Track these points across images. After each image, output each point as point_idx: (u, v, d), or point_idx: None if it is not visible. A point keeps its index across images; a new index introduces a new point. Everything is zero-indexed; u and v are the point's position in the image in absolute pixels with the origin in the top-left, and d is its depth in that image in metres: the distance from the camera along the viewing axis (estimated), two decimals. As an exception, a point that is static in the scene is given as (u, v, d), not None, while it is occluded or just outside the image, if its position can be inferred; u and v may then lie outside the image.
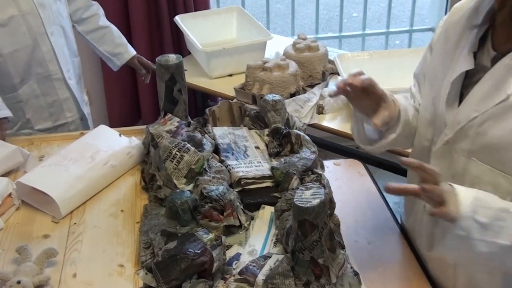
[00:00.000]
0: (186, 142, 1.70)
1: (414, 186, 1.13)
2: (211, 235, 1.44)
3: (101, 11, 2.48)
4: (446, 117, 1.29)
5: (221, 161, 1.76)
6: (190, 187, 1.65)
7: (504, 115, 1.17)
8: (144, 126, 1.94)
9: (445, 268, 1.41)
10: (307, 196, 1.31)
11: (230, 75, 2.70)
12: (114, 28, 2.51)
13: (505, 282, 1.29)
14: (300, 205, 1.28)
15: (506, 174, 1.18)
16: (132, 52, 2.54)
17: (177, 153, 1.66)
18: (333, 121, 2.31)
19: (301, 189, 1.34)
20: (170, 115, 1.85)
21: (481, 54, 1.25)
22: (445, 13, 2.90)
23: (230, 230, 1.56)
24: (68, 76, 2.28)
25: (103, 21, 2.47)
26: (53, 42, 2.18)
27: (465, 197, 1.12)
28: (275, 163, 1.73)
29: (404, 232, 1.65)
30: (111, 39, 2.48)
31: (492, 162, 1.20)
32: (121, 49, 2.51)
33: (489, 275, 1.31)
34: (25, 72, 2.16)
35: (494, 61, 1.21)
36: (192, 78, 2.67)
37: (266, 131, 1.89)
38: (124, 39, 2.53)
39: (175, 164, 1.66)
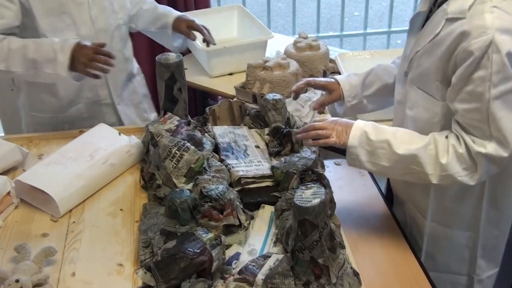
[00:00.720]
0: (186, 141, 1.69)
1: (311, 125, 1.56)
2: (210, 235, 1.43)
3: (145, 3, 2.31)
4: (406, 51, 1.56)
5: (221, 160, 1.76)
6: (190, 186, 1.64)
7: (432, 50, 1.43)
8: (143, 125, 1.94)
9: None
10: (307, 196, 1.30)
11: (231, 74, 2.69)
12: (152, 4, 2.31)
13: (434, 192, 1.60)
14: (300, 204, 1.27)
15: (433, 97, 1.45)
16: (174, 14, 2.29)
17: (176, 152, 1.66)
18: (334, 121, 2.30)
19: (301, 189, 1.33)
20: (170, 113, 1.85)
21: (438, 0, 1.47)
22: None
23: (229, 229, 1.55)
24: (118, 101, 2.22)
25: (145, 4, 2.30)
26: None
27: (356, 130, 1.49)
28: (275, 162, 1.73)
29: (404, 233, 1.65)
30: (152, 14, 2.28)
31: (424, 88, 1.47)
32: (163, 20, 2.28)
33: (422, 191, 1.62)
34: (75, 95, 2.12)
35: (440, 5, 1.44)
36: (192, 77, 2.66)
37: (267, 130, 1.88)
38: (163, 8, 2.32)
39: (174, 163, 1.65)
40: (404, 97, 1.56)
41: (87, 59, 1.86)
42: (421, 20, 1.52)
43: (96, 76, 1.90)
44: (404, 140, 1.45)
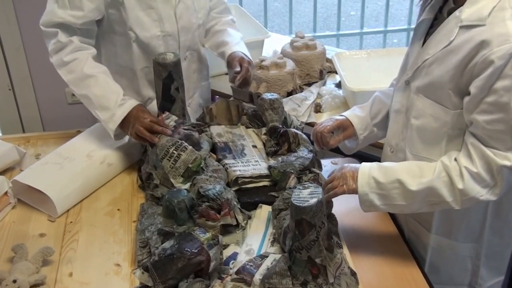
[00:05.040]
0: (183, 141, 1.69)
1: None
2: (208, 234, 1.43)
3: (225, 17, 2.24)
4: (410, 59, 1.52)
5: (218, 160, 1.76)
6: (187, 186, 1.64)
7: (445, 58, 1.38)
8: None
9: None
10: (305, 195, 1.30)
11: (228, 74, 2.69)
12: (225, 25, 2.23)
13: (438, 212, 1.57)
14: (298, 204, 1.28)
15: (444, 106, 1.41)
16: (232, 47, 2.14)
17: (174, 151, 1.66)
18: (331, 120, 2.30)
19: (299, 188, 1.34)
20: (167, 113, 1.84)
21: (446, 7, 1.44)
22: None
23: (227, 229, 1.55)
24: (189, 102, 2.16)
25: (221, 24, 2.23)
26: (184, 66, 2.00)
27: (363, 176, 1.45)
28: (272, 162, 1.73)
29: (402, 232, 1.65)
30: (218, 38, 2.19)
31: (433, 97, 1.43)
32: (222, 49, 2.17)
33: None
34: (152, 91, 2.05)
35: (450, 13, 1.41)
36: (189, 76, 2.66)
37: (264, 130, 1.88)
38: (229, 38, 2.18)
39: (172, 163, 1.65)
40: (404, 106, 1.53)
41: (142, 127, 1.76)
42: (425, 28, 1.48)
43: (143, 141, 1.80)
44: (414, 174, 1.41)
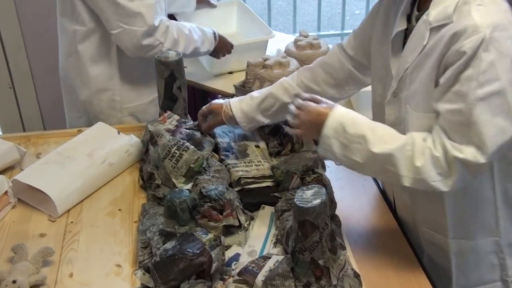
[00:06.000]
0: (185, 141, 1.68)
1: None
2: (210, 235, 1.42)
3: None
4: (392, 71, 1.49)
5: (221, 160, 1.75)
6: (189, 186, 1.63)
7: (422, 63, 1.38)
8: (143, 124, 1.92)
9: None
10: (308, 196, 1.29)
11: (231, 73, 2.67)
12: None
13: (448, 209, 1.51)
14: (301, 205, 1.26)
15: (430, 114, 1.37)
16: None
17: (176, 151, 1.64)
18: (334, 120, 2.29)
19: (302, 189, 1.32)
20: (169, 112, 1.83)
21: (413, 15, 1.45)
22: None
23: (229, 230, 1.54)
24: None
25: None
26: None
27: (332, 120, 1.42)
28: (275, 162, 1.72)
29: (406, 234, 1.64)
30: None
31: (421, 105, 1.40)
32: None
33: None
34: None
35: (417, 19, 1.42)
36: (192, 75, 2.64)
37: (267, 129, 1.87)
38: None
39: (174, 163, 1.64)
40: (398, 118, 1.49)
41: (227, 51, 2.39)
42: (401, 39, 1.48)
43: None
44: (382, 138, 1.39)
